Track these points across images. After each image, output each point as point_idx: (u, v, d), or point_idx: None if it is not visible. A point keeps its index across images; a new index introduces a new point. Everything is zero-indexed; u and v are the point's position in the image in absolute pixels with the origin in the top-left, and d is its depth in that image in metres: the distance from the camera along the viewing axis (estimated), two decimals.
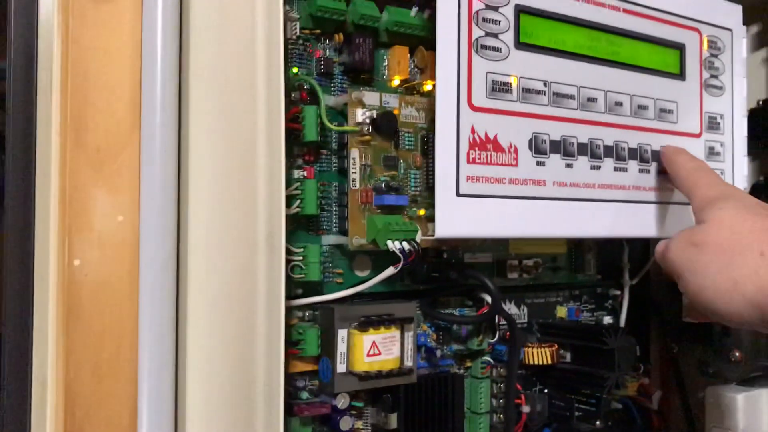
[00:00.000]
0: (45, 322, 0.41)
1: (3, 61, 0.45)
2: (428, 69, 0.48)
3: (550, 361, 0.53)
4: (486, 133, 0.43)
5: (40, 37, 0.44)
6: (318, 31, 0.46)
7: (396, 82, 0.48)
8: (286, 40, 0.45)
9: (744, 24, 0.58)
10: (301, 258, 0.44)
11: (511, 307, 0.56)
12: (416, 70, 0.50)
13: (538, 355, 0.53)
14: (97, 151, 0.41)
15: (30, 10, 0.44)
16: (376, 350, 0.44)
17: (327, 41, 0.47)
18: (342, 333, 0.43)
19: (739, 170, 0.57)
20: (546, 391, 0.56)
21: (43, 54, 0.43)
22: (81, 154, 0.41)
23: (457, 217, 0.42)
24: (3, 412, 0.44)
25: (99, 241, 0.41)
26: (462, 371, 0.52)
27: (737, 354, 0.58)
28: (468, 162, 0.42)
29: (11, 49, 0.45)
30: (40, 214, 0.43)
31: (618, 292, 0.62)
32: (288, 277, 0.44)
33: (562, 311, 0.59)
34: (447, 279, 0.49)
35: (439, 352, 0.51)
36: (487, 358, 0.53)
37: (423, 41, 0.48)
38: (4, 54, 0.45)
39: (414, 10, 0.47)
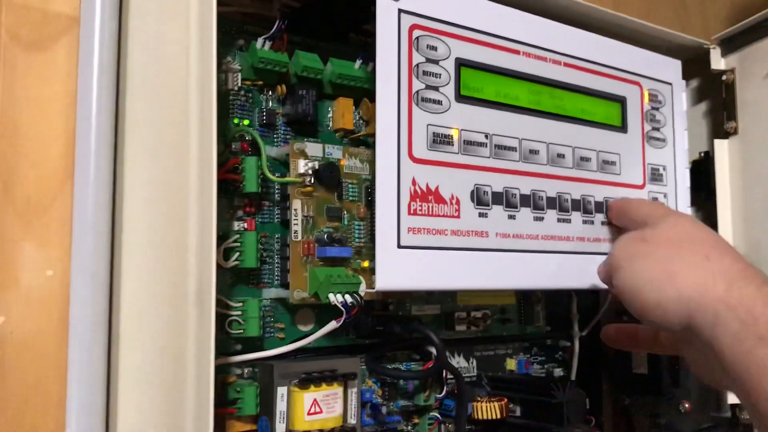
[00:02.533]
0: None
1: None
2: (372, 121, 0.48)
3: (499, 416, 0.52)
4: (427, 185, 0.43)
5: None
6: (260, 82, 0.46)
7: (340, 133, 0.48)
8: (227, 91, 0.45)
9: (684, 78, 0.59)
10: (240, 313, 0.43)
11: (459, 360, 0.55)
12: (361, 121, 0.50)
13: (487, 409, 0.52)
14: (26, 202, 0.40)
15: None
16: (318, 408, 0.42)
17: (270, 92, 0.47)
18: (282, 390, 0.42)
19: None
20: None
21: None
22: (9, 205, 0.40)
23: (399, 269, 0.41)
24: None
25: (26, 296, 0.40)
26: (409, 428, 0.51)
27: (686, 405, 0.57)
28: (409, 213, 0.42)
29: None
30: None
31: (568, 344, 0.62)
32: (226, 333, 0.42)
33: (512, 364, 0.58)
34: (392, 333, 0.48)
35: (385, 409, 0.49)
36: (435, 413, 0.52)
37: (367, 93, 0.48)
38: None
39: (358, 63, 0.47)
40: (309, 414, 0.42)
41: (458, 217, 0.44)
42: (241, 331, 0.42)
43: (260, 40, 0.44)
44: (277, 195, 0.46)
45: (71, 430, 0.39)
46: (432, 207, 0.43)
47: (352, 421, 0.44)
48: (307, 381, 0.42)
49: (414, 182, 0.42)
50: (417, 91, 0.43)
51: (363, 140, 0.49)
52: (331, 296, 0.42)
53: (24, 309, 0.40)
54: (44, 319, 0.40)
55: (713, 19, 0.77)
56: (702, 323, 0.37)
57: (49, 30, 0.41)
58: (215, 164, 0.36)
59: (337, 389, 0.44)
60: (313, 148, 0.45)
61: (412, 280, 0.42)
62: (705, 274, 0.37)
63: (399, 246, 0.41)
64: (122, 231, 0.40)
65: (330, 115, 0.49)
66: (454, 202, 0.43)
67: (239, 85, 0.45)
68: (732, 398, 0.57)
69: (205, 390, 0.35)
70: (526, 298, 0.59)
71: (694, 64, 0.62)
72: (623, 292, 0.41)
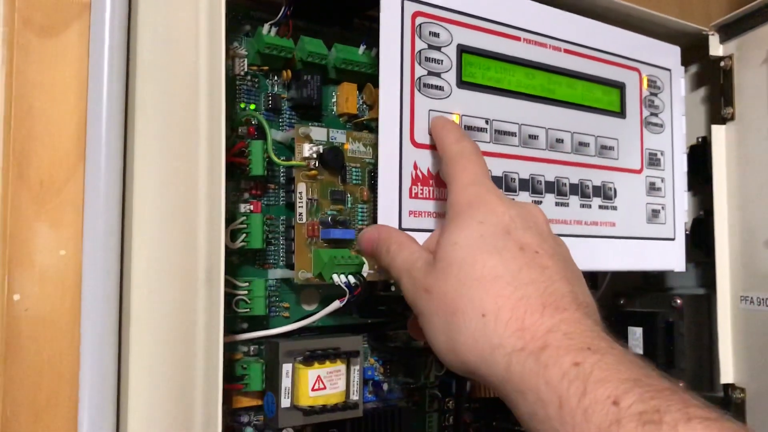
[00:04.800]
0: None
1: None
2: (376, 105, 0.49)
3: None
4: (429, 169, 0.44)
5: None
6: (266, 67, 0.47)
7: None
8: (234, 76, 0.46)
9: (683, 64, 0.60)
10: (246, 292, 0.44)
11: None
12: (365, 106, 0.51)
13: (486, 387, 0.53)
14: (40, 184, 0.41)
15: None
16: (321, 384, 0.44)
17: (275, 77, 0.48)
18: (286, 367, 0.43)
19: (679, 205, 0.58)
20: (495, 423, 0.56)
21: None
22: (23, 187, 0.41)
23: None
24: None
25: (40, 275, 0.41)
26: (410, 404, 0.53)
27: (681, 385, 0.59)
28: (410, 197, 0.43)
29: None
30: None
31: None
32: (233, 312, 0.44)
33: None
34: (393, 312, 0.50)
35: (386, 386, 0.51)
36: (435, 391, 0.53)
37: (371, 78, 0.49)
38: None
39: (362, 48, 0.48)
40: (313, 390, 0.44)
41: None
42: (248, 310, 0.44)
43: (266, 26, 0.45)
44: (282, 178, 0.47)
45: (84, 403, 0.40)
46: (433, 191, 0.44)
47: (354, 397, 0.46)
48: (311, 358, 0.44)
49: (415, 167, 0.43)
50: (419, 77, 0.44)
51: (366, 124, 0.50)
52: (335, 277, 0.44)
53: (38, 287, 0.41)
54: (58, 297, 0.41)
55: (715, 5, 0.78)
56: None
57: (61, 15, 0.42)
58: (224, 148, 0.37)
59: (340, 366, 0.45)
60: (318, 133, 0.46)
61: None
62: (483, 348, 0.32)
63: (400, 228, 0.42)
64: (133, 212, 0.41)
65: (334, 99, 0.50)
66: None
67: (245, 70, 0.46)
68: (725, 378, 0.58)
69: (213, 366, 0.36)
70: None
71: (694, 50, 0.63)
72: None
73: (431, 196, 0.44)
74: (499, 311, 0.32)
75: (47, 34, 0.42)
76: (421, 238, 0.43)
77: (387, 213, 0.42)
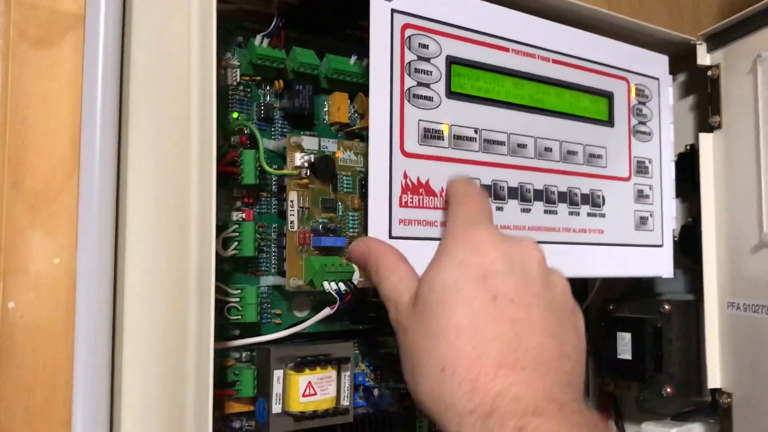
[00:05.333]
0: None
1: None
2: (368, 114, 0.50)
3: None
4: (418, 178, 0.44)
5: None
6: (258, 78, 0.47)
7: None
8: (227, 86, 0.46)
9: (671, 73, 0.61)
10: (238, 299, 0.44)
11: None
12: (356, 115, 0.51)
13: None
14: (34, 194, 0.42)
15: None
16: (312, 390, 0.45)
17: (267, 87, 0.48)
18: (278, 373, 0.44)
19: (667, 212, 0.59)
20: None
21: None
22: (18, 196, 0.42)
23: None
24: None
25: (35, 283, 0.42)
26: (400, 410, 0.53)
27: (669, 390, 0.59)
28: (400, 206, 0.43)
29: None
30: None
31: None
32: (225, 319, 0.44)
33: None
34: (383, 319, 0.50)
35: (377, 391, 0.51)
36: None
37: (362, 88, 0.50)
38: None
39: (353, 59, 0.49)
40: (304, 396, 0.44)
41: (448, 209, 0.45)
42: (240, 316, 0.44)
43: (258, 37, 0.46)
44: (274, 186, 0.47)
45: (78, 408, 0.41)
46: (422, 199, 0.44)
47: (345, 403, 0.46)
48: (302, 364, 0.44)
49: (405, 176, 0.44)
50: (409, 88, 0.44)
51: (358, 133, 0.51)
52: (326, 284, 0.44)
53: (33, 295, 0.42)
54: (52, 304, 0.42)
55: (705, 14, 0.79)
56: None
57: (56, 27, 0.43)
58: (215, 157, 0.38)
59: (331, 372, 0.46)
60: (310, 142, 0.47)
61: None
62: (438, 403, 0.32)
63: (390, 237, 0.43)
64: (126, 221, 0.42)
65: (326, 109, 0.50)
66: (444, 194, 0.45)
67: (238, 80, 0.47)
68: (712, 383, 0.59)
69: (205, 373, 0.37)
70: None
71: (682, 59, 0.63)
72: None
73: (421, 205, 0.44)
74: (455, 368, 0.32)
75: (42, 45, 0.43)
76: (411, 246, 0.43)
77: (377, 221, 0.43)
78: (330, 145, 0.48)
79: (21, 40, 0.42)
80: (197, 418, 0.37)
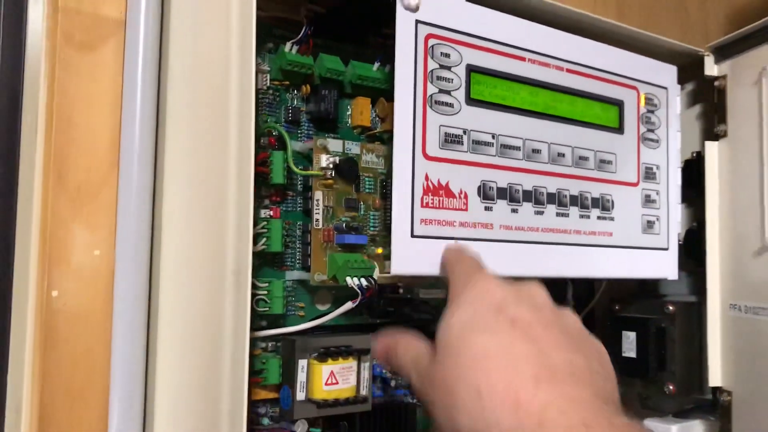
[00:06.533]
0: (21, 349, 0.43)
1: None
2: (388, 118, 0.52)
3: None
4: (439, 180, 0.47)
5: (25, 81, 0.47)
6: (287, 82, 0.50)
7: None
8: (257, 91, 0.49)
9: (679, 83, 0.63)
10: (266, 292, 0.47)
11: None
12: (377, 119, 0.54)
13: None
14: (77, 189, 0.45)
15: (17, 56, 0.48)
16: (334, 379, 0.47)
17: (295, 91, 0.51)
18: (302, 363, 0.46)
19: (673, 216, 0.61)
20: None
21: (28, 98, 0.46)
22: (62, 192, 0.44)
23: (411, 256, 0.46)
24: None
25: (77, 273, 0.44)
26: (415, 401, 0.56)
27: (671, 387, 0.62)
28: (422, 206, 0.46)
29: None
30: (20, 247, 0.45)
31: None
32: (253, 310, 0.47)
33: None
34: (401, 313, 0.53)
35: (393, 382, 0.54)
36: None
37: (384, 93, 0.52)
38: None
39: (376, 65, 0.52)
40: (326, 384, 0.47)
41: (466, 210, 0.48)
42: (267, 308, 0.47)
43: (289, 44, 0.48)
44: (300, 186, 0.50)
45: (115, 392, 0.43)
46: (442, 200, 0.47)
47: (363, 392, 0.49)
48: (324, 355, 0.47)
49: (427, 178, 0.46)
50: (431, 95, 0.47)
51: (379, 136, 0.53)
52: (348, 279, 0.47)
53: (74, 284, 0.44)
54: (92, 294, 0.44)
55: (714, 26, 0.81)
56: None
57: (98, 32, 0.46)
58: (253, 158, 0.40)
59: (352, 363, 0.48)
60: (334, 144, 0.50)
61: (423, 266, 0.46)
62: (481, 427, 0.31)
63: (412, 235, 0.45)
64: (162, 216, 0.44)
65: (349, 112, 0.53)
66: (462, 196, 0.48)
67: (268, 84, 0.49)
68: (713, 381, 0.61)
69: (240, 361, 0.39)
70: None
71: (690, 69, 0.66)
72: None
73: (441, 206, 0.47)
74: (493, 388, 0.31)
75: (86, 49, 0.45)
76: (431, 244, 0.46)
77: (400, 221, 0.45)
78: (354, 148, 0.50)
79: (66, 44, 0.45)
80: (232, 404, 0.39)
